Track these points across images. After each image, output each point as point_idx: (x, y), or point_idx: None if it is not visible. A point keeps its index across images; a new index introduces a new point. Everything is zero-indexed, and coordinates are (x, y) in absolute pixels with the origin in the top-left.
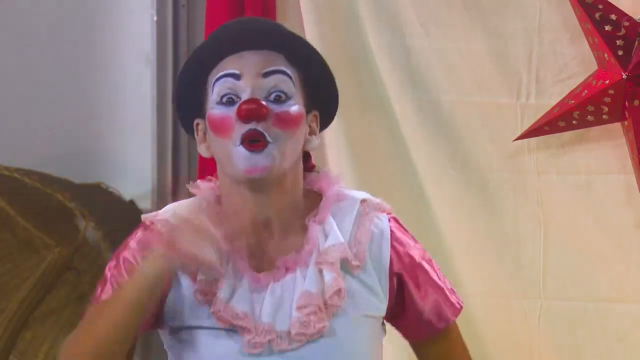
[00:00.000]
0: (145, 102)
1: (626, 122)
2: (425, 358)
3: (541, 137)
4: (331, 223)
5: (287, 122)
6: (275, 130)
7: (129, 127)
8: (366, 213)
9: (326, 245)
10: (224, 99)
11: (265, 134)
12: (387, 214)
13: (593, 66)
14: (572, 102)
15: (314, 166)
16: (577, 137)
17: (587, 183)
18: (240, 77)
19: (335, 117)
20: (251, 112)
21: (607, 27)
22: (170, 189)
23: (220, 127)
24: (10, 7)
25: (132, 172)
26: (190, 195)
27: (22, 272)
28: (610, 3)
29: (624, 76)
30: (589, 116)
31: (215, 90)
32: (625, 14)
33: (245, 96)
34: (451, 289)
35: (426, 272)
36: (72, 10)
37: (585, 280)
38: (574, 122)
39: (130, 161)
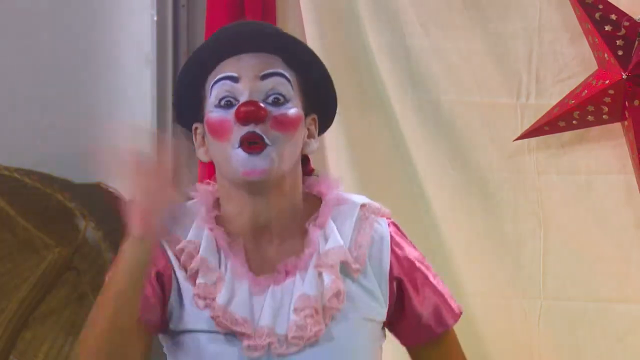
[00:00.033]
0: (145, 102)
1: (626, 122)
2: None
3: (541, 137)
4: (331, 227)
5: (285, 124)
6: (273, 132)
7: None
8: (366, 217)
9: (326, 248)
10: (222, 102)
11: (264, 136)
12: (387, 218)
13: (593, 66)
14: (572, 102)
15: (313, 170)
16: (577, 137)
17: (587, 183)
18: (238, 79)
19: (335, 117)
20: (249, 114)
21: (607, 27)
22: None
23: (218, 130)
24: (10, 7)
25: None
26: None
27: (22, 272)
28: (610, 3)
29: (624, 76)
30: (589, 116)
31: (214, 93)
32: (625, 14)
33: (243, 99)
34: (450, 295)
35: (425, 276)
36: (72, 10)
37: (585, 280)
38: (574, 122)
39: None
